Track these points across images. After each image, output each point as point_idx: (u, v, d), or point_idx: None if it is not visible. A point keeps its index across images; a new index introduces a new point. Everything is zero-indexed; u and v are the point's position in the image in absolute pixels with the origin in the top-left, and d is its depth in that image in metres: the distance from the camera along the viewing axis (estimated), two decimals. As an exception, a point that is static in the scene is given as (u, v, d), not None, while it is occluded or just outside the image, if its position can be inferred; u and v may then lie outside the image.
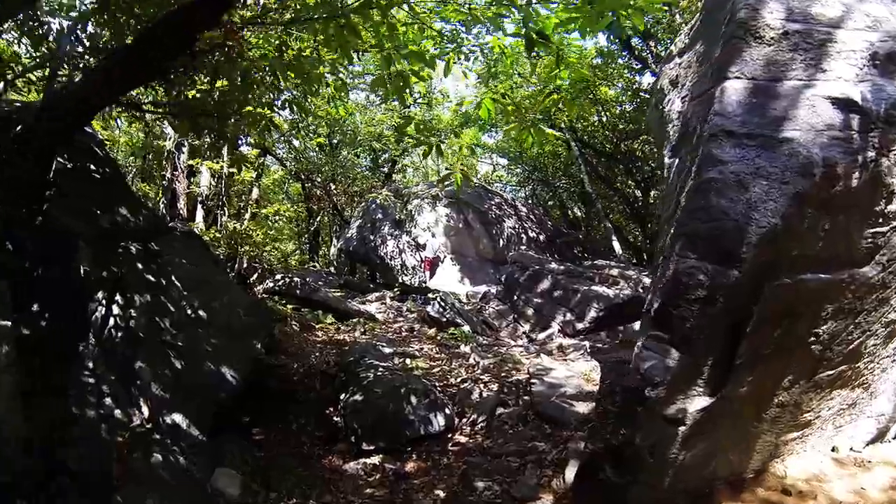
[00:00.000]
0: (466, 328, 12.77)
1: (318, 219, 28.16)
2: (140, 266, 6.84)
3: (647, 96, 19.01)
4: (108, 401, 5.49)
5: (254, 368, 7.57)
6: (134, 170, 15.89)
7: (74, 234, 6.10)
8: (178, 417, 5.92)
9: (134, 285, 6.53)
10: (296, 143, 23.27)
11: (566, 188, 27.95)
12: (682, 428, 4.38)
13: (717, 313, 4.14)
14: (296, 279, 14.65)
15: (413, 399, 7.35)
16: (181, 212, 14.26)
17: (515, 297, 14.57)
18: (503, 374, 9.17)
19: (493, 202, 22.61)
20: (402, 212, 21.74)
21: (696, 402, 4.36)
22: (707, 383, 4.35)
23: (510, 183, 32.50)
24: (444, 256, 20.81)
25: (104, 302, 6.06)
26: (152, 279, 6.88)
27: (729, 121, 4.20)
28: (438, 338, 12.52)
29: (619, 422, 5.61)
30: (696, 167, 4.31)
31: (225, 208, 14.43)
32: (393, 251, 21.15)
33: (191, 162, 14.07)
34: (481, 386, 8.56)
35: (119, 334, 6.04)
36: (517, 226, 22.07)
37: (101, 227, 6.72)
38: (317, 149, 24.81)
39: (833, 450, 5.49)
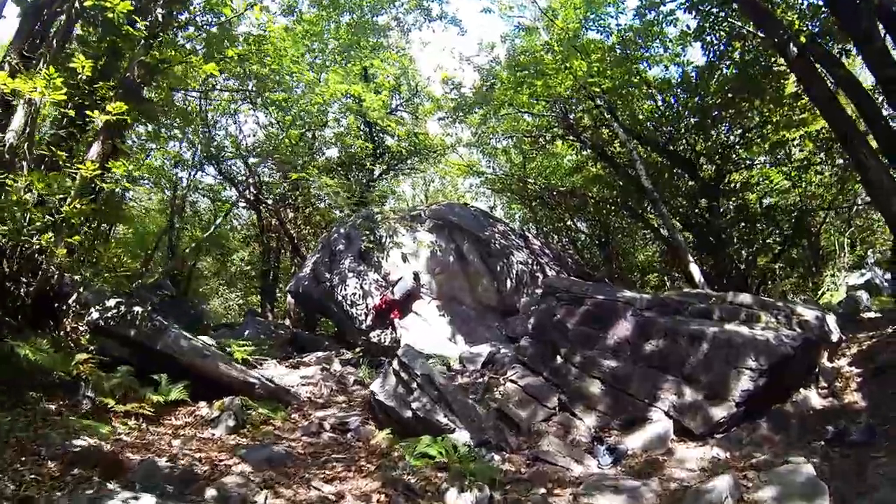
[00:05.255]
0: (461, 436, 5.05)
1: (274, 258, 20.48)
2: None
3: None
4: None
5: None
6: None
7: None
8: None
9: None
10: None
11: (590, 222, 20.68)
12: None
13: None
14: (136, 309, 6.98)
15: None
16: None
17: (561, 360, 6.83)
18: None
19: (495, 229, 15.02)
20: (369, 238, 14.03)
21: None
22: None
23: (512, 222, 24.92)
24: (429, 298, 13.16)
25: None
26: None
27: None
28: (395, 457, 4.81)
29: None
30: None
31: (24, 162, 6.96)
32: (355, 293, 13.33)
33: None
34: None
35: None
36: (530, 261, 14.40)
37: None
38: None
39: None
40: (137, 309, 7.01)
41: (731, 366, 5.62)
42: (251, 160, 17.16)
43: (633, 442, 5.51)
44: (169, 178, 17.44)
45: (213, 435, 5.80)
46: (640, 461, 5.16)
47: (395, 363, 6.16)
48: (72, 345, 6.93)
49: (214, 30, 10.32)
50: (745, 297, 7.12)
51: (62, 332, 7.13)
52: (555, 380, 6.66)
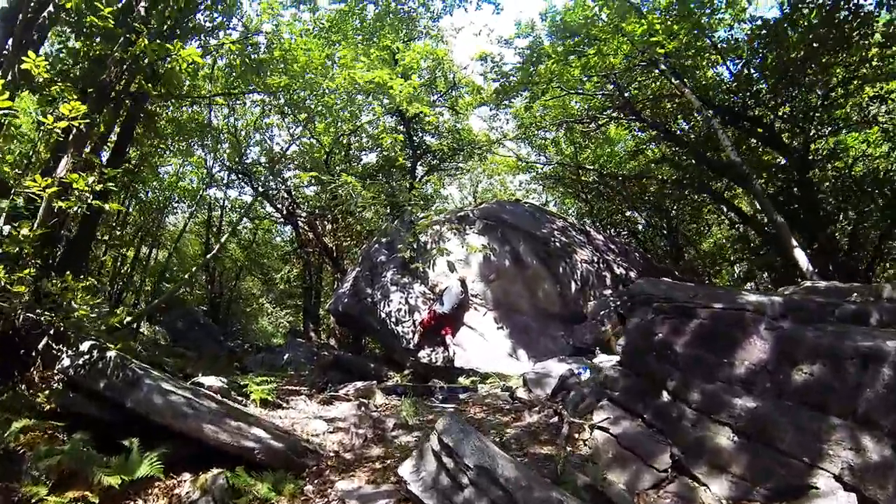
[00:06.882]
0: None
1: (315, 274, 18.99)
2: None
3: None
4: None
5: None
6: None
7: None
8: None
9: None
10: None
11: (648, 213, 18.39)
12: None
13: None
14: (109, 355, 5.39)
15: None
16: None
17: (668, 397, 4.81)
18: None
19: (553, 226, 13.04)
20: (411, 246, 12.22)
21: None
22: None
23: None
24: (483, 309, 11.36)
25: None
26: None
27: None
28: None
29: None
30: None
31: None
32: (400, 309, 11.61)
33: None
34: None
35: None
36: (595, 258, 12.38)
37: None
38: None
39: None
40: (110, 355, 5.41)
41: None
42: (282, 171, 15.64)
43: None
44: (195, 198, 16.17)
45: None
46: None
47: (433, 440, 4.14)
48: (33, 401, 5.43)
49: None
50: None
51: (25, 385, 5.65)
52: (660, 425, 4.67)
